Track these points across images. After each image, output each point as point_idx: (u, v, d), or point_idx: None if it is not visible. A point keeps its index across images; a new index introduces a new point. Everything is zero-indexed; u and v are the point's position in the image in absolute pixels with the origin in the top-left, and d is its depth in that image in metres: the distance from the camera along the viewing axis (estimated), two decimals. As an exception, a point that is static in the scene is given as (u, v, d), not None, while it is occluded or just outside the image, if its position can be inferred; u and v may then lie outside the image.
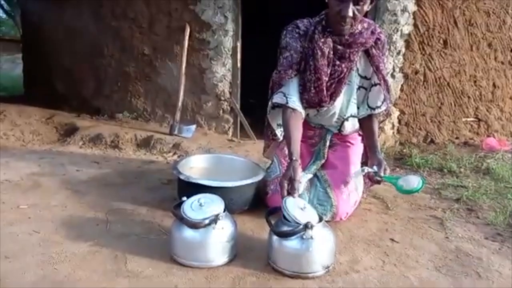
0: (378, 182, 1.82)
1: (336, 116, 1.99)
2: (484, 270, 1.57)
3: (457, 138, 3.56)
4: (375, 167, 1.79)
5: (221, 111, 3.62)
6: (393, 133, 3.52)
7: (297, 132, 1.82)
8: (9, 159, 2.73)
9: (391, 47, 3.34)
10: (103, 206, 2.00)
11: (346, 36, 1.80)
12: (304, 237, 1.41)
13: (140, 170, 2.67)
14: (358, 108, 1.98)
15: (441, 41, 3.37)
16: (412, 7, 3.28)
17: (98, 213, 1.93)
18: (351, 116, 1.99)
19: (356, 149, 2.06)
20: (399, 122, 3.51)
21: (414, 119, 3.51)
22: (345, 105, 1.96)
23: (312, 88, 1.87)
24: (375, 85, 1.92)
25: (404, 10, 3.28)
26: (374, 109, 1.95)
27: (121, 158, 2.98)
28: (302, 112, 1.89)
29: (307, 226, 1.41)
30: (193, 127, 3.49)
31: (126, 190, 2.26)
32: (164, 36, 3.64)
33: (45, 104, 4.27)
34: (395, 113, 3.48)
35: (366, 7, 1.73)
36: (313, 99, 1.89)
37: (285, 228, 1.47)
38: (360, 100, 1.97)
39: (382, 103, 1.93)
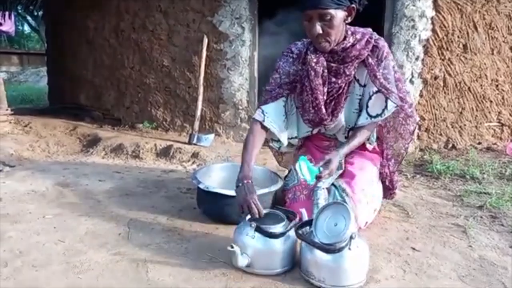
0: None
1: (344, 128, 1.99)
2: (509, 280, 1.53)
3: (479, 143, 3.49)
4: (321, 165, 1.68)
5: (238, 120, 3.65)
6: (413, 139, 3.47)
7: (253, 149, 1.80)
8: (35, 170, 2.82)
9: (409, 52, 3.31)
10: (125, 216, 2.04)
11: (339, 52, 1.78)
12: (350, 248, 1.40)
13: (160, 179, 2.71)
14: (358, 116, 1.91)
15: (461, 46, 3.33)
16: (430, 13, 3.25)
17: (120, 222, 1.97)
18: (356, 126, 1.96)
19: (373, 156, 2.05)
20: (419, 128, 3.46)
21: (434, 125, 3.46)
22: (348, 116, 1.94)
23: (311, 108, 1.88)
24: (376, 92, 1.83)
25: (422, 15, 3.25)
26: (374, 117, 1.86)
27: (142, 167, 3.03)
28: (276, 133, 1.91)
29: (351, 237, 1.40)
30: (212, 136, 3.53)
31: (147, 199, 2.30)
32: (183, 47, 3.71)
33: (68, 115, 4.40)
34: (415, 119, 3.43)
35: (339, 20, 1.68)
36: (314, 119, 1.90)
37: (317, 240, 1.45)
38: (360, 109, 1.91)
39: (383, 110, 1.84)
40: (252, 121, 1.95)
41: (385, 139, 2.02)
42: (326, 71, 1.83)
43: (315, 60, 1.82)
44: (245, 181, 1.66)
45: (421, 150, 3.42)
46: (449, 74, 3.37)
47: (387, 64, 1.82)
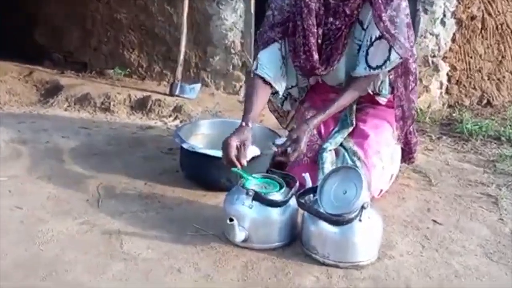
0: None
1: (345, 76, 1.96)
2: (544, 258, 1.58)
3: (520, 99, 3.50)
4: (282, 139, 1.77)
5: (231, 67, 3.60)
6: (441, 93, 3.47)
7: (257, 99, 1.84)
8: (-16, 124, 2.81)
9: (442, -14, 3.24)
10: (94, 179, 2.06)
11: None
12: (361, 219, 1.43)
13: (135, 136, 2.72)
14: (357, 65, 1.87)
15: (506, -22, 3.25)
16: None
17: (88, 186, 1.99)
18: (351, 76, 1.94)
19: (390, 112, 2.02)
20: (449, 80, 3.45)
21: (467, 76, 3.44)
22: (349, 65, 1.91)
23: (302, 53, 1.87)
24: (379, 38, 1.78)
25: None
26: (374, 68, 1.82)
27: (113, 122, 3.03)
28: (271, 82, 1.90)
29: (362, 207, 1.43)
30: (198, 86, 3.50)
31: (120, 160, 2.32)
32: (162, -25, 3.60)
33: (22, 58, 4.32)
34: (444, 69, 3.41)
35: None
36: (305, 66, 1.89)
37: (322, 210, 1.48)
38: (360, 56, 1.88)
39: (385, 62, 1.80)
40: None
41: (396, 95, 1.97)
42: (322, 8, 1.81)
43: None
44: (240, 124, 1.73)
45: (449, 106, 3.42)
46: (489, 14, 3.31)
47: (398, 5, 1.77)
